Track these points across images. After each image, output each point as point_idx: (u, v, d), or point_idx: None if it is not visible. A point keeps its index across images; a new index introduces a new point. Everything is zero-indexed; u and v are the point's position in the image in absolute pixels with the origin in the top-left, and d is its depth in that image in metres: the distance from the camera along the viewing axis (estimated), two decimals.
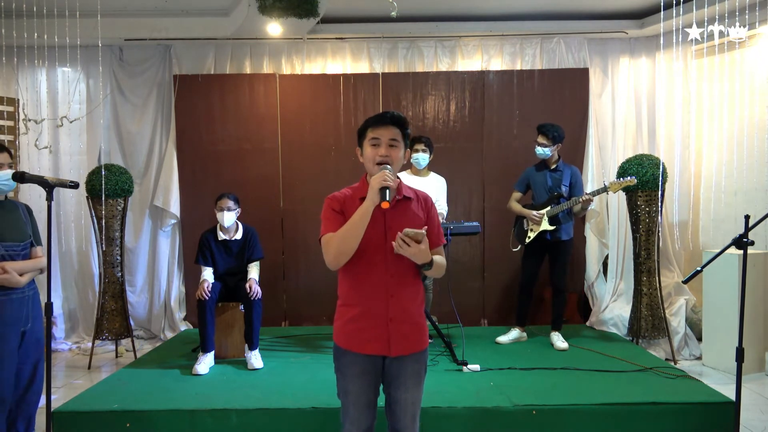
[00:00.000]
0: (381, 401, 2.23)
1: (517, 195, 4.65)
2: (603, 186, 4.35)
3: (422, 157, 4.50)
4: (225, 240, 4.27)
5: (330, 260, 2.09)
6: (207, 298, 4.04)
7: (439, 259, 2.20)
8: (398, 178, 2.11)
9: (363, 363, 2.14)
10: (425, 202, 2.25)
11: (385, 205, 1.98)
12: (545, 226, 4.41)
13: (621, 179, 4.34)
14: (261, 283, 4.29)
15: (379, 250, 2.11)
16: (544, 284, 5.11)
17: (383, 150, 2.10)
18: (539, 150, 4.44)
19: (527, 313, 4.74)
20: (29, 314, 2.81)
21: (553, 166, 4.51)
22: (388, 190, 2.00)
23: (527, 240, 4.52)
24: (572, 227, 4.55)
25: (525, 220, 4.56)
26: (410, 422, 2.18)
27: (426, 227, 2.08)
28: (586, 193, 4.31)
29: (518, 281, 4.71)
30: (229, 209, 4.20)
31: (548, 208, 4.43)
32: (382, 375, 2.20)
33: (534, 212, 4.44)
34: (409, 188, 2.25)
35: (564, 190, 4.45)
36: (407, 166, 4.65)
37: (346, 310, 2.18)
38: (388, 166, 2.08)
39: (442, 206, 4.60)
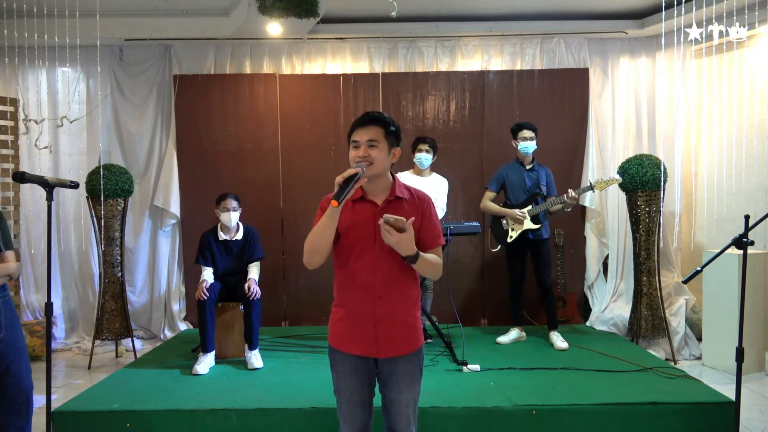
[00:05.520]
0: (379, 401, 2.23)
1: (491, 195, 4.63)
2: (588, 185, 4.36)
3: (425, 158, 4.50)
4: (225, 240, 4.27)
5: (305, 259, 2.11)
6: (206, 297, 4.05)
7: (431, 257, 2.14)
8: (366, 178, 2.05)
9: (353, 361, 2.16)
10: (421, 201, 2.20)
11: (333, 203, 1.95)
12: (528, 225, 4.43)
13: (607, 178, 4.39)
14: (261, 283, 4.29)
15: (368, 251, 2.10)
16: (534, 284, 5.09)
17: (362, 151, 2.09)
18: (528, 145, 4.44)
19: (522, 313, 4.74)
20: (2, 323, 2.62)
21: (529, 166, 4.54)
22: (352, 183, 1.95)
23: (509, 239, 4.50)
24: (548, 226, 4.60)
25: (504, 220, 4.54)
26: (405, 423, 2.17)
27: (410, 220, 2.03)
28: (572, 191, 4.28)
29: (508, 282, 4.67)
30: (233, 209, 4.21)
31: (529, 207, 4.45)
32: (377, 375, 2.20)
33: (517, 211, 4.43)
34: (406, 188, 2.21)
35: (543, 189, 4.48)
36: (410, 165, 4.67)
37: (337, 310, 2.21)
38: (362, 165, 2.04)
39: (440, 208, 4.59)
